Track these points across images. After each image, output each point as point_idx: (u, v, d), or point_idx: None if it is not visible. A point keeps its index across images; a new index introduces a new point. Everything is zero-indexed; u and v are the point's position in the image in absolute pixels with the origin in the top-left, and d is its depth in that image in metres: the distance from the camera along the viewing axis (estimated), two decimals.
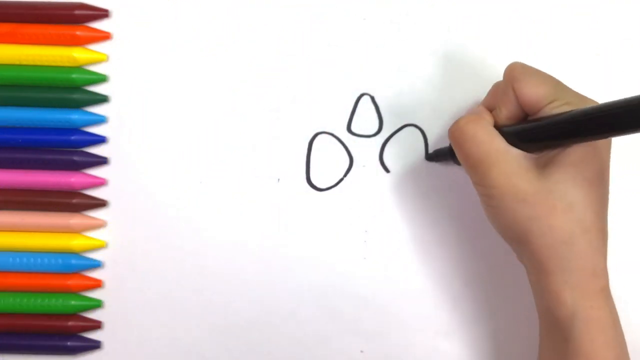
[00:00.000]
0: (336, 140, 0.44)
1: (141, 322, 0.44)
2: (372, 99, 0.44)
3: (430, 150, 0.44)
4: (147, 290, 0.44)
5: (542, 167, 0.34)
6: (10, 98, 0.44)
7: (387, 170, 0.44)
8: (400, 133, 0.44)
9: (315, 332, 0.44)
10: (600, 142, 0.34)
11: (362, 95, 0.44)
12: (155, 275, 0.44)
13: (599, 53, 0.44)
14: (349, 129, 0.44)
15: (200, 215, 0.44)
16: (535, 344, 0.39)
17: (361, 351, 0.44)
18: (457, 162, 0.39)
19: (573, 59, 0.44)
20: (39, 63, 0.44)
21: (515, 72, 0.36)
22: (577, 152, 0.34)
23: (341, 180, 0.44)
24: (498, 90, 0.38)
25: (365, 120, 0.44)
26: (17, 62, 0.44)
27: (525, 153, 0.35)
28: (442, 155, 0.42)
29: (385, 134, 0.44)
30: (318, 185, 0.44)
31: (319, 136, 0.44)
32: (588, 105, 0.33)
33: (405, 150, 0.44)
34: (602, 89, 0.44)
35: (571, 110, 0.34)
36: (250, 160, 0.44)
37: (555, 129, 0.34)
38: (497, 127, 0.37)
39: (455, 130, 0.36)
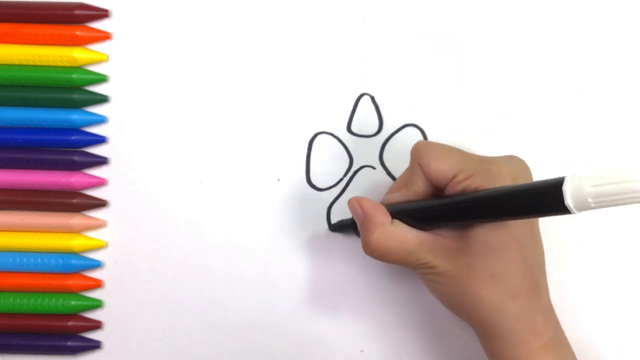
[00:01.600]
0: (336, 140, 0.44)
1: (141, 322, 0.44)
2: (372, 99, 0.44)
3: (334, 221, 0.44)
4: (147, 290, 0.44)
5: (458, 240, 0.36)
6: (10, 98, 0.44)
7: (387, 170, 0.44)
8: (400, 133, 0.44)
9: (315, 332, 0.44)
10: None
11: (362, 95, 0.44)
12: (155, 275, 0.44)
13: (592, 52, 0.44)
14: (349, 129, 0.44)
15: (200, 215, 0.44)
16: None
17: (361, 351, 0.44)
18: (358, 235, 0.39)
19: (573, 60, 0.44)
20: (39, 63, 0.44)
21: (421, 150, 0.37)
22: (485, 225, 0.35)
23: (341, 180, 0.44)
24: (407, 169, 0.39)
25: (365, 120, 0.44)
26: (17, 62, 0.44)
27: (443, 232, 0.36)
28: (345, 227, 0.43)
29: (385, 134, 0.44)
30: (318, 185, 0.44)
31: (319, 136, 0.44)
32: (489, 177, 0.35)
33: (405, 150, 0.44)
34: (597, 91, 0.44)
35: (464, 195, 0.35)
36: (250, 160, 0.44)
37: (449, 212, 0.36)
38: (399, 204, 0.38)
39: (372, 252, 0.37)
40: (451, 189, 0.36)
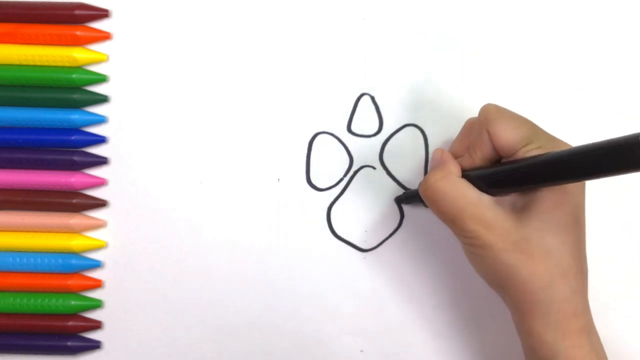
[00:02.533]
0: (336, 140, 0.44)
1: (141, 322, 0.44)
2: (372, 99, 0.44)
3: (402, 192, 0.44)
4: (147, 290, 0.44)
5: (518, 212, 0.35)
6: (10, 98, 0.44)
7: (387, 170, 0.44)
8: (400, 133, 0.44)
9: (315, 332, 0.44)
10: (573, 186, 0.35)
11: (362, 95, 0.44)
12: (155, 275, 0.44)
13: (596, 55, 0.44)
14: (349, 129, 0.44)
15: (200, 215, 0.44)
16: None
17: (361, 351, 0.44)
18: (426, 205, 0.39)
19: (573, 59, 0.44)
20: (39, 63, 0.44)
21: (490, 115, 0.36)
22: (551, 199, 0.35)
23: (341, 180, 0.44)
24: (472, 132, 0.38)
25: (365, 120, 0.44)
26: (17, 62, 0.44)
27: (498, 199, 0.36)
28: (411, 198, 0.43)
29: (385, 134, 0.44)
30: (318, 185, 0.44)
31: (319, 136, 0.44)
32: (558, 149, 0.34)
33: (405, 150, 0.44)
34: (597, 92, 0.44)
35: (539, 155, 0.34)
36: (250, 160, 0.44)
37: (524, 174, 0.35)
38: (469, 169, 0.37)
39: (426, 189, 0.37)
40: (518, 157, 0.35)
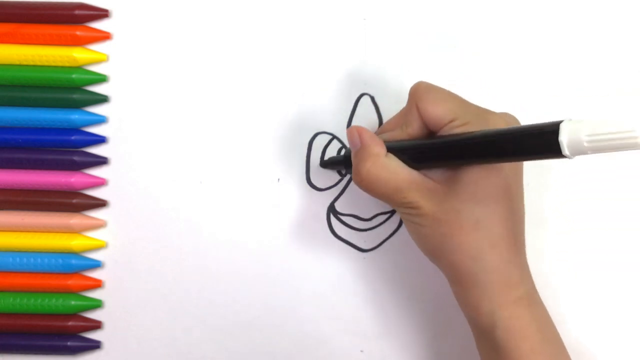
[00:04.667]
0: (336, 140, 0.44)
1: (141, 322, 0.44)
2: (372, 99, 0.44)
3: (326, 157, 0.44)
4: (147, 290, 0.44)
5: (448, 184, 0.36)
6: (10, 98, 0.44)
7: None
8: None
9: (315, 332, 0.44)
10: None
11: (362, 95, 0.44)
12: (155, 275, 0.44)
13: (591, 48, 0.44)
14: None
15: (200, 215, 0.44)
16: None
17: (361, 351, 0.44)
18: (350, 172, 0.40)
19: (573, 60, 0.44)
20: (39, 63, 0.44)
21: (419, 91, 0.37)
22: (478, 171, 0.35)
23: (341, 180, 0.44)
24: (404, 108, 0.39)
25: (365, 120, 0.44)
26: (17, 62, 0.44)
27: (427, 172, 0.36)
28: (336, 163, 0.43)
29: None
30: (318, 185, 0.44)
31: (319, 136, 0.44)
32: (486, 127, 0.35)
33: None
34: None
35: (459, 134, 0.35)
36: (250, 160, 0.44)
37: (441, 152, 0.36)
38: (395, 141, 0.38)
39: (361, 181, 0.37)
40: (445, 133, 0.36)
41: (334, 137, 0.44)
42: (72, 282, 0.43)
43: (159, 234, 0.44)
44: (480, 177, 0.35)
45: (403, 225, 0.44)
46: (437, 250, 0.36)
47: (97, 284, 0.44)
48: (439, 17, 0.44)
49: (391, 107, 0.44)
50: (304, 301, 0.44)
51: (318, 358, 0.44)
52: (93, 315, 0.44)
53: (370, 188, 0.37)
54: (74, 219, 0.44)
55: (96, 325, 0.44)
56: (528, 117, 0.44)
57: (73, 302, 0.43)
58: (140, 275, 0.44)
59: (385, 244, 0.44)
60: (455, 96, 0.37)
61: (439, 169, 0.36)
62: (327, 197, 0.44)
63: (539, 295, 0.37)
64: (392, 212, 0.44)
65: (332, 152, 0.44)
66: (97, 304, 0.44)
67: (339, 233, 0.44)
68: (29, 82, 0.44)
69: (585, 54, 0.44)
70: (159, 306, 0.44)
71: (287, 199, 0.44)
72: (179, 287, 0.44)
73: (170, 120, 0.44)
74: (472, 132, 0.34)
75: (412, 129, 0.37)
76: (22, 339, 0.44)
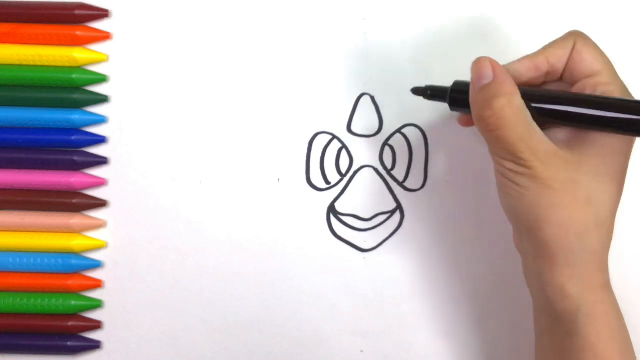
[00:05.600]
0: (336, 140, 0.44)
1: (141, 322, 0.44)
2: (372, 99, 0.44)
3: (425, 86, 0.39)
4: (147, 290, 0.44)
5: (570, 150, 0.34)
6: (10, 98, 0.44)
7: (387, 170, 0.44)
8: (400, 133, 0.44)
9: (315, 332, 0.44)
10: (629, 138, 0.34)
11: (362, 95, 0.44)
12: (155, 275, 0.44)
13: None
14: (349, 129, 0.44)
15: (200, 215, 0.44)
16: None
17: (361, 351, 0.44)
18: (452, 109, 0.38)
19: None
20: (39, 63, 0.44)
21: (581, 33, 0.36)
22: (606, 144, 0.34)
23: (341, 180, 0.44)
24: (553, 41, 0.36)
25: (365, 120, 0.44)
26: (17, 62, 0.44)
27: (555, 136, 0.35)
28: (437, 93, 0.39)
29: (385, 134, 0.44)
30: (318, 185, 0.44)
31: (319, 136, 0.44)
32: (626, 94, 0.33)
33: (405, 150, 0.44)
34: None
35: (610, 98, 0.34)
36: (250, 160, 0.44)
37: (588, 110, 0.33)
38: (525, 81, 0.36)
39: (490, 116, 0.34)
40: (584, 87, 0.35)
41: (334, 137, 0.44)
42: (72, 282, 0.43)
43: (159, 234, 0.44)
44: (608, 154, 0.34)
45: (403, 225, 0.44)
46: (538, 221, 0.34)
47: (97, 284, 0.44)
48: (438, 17, 0.44)
49: (391, 107, 0.44)
50: (304, 301, 0.44)
51: (318, 358, 0.44)
52: (93, 315, 0.44)
53: (495, 128, 0.34)
54: (74, 219, 0.44)
55: (96, 325, 0.44)
56: None
57: (73, 302, 0.43)
58: (140, 275, 0.44)
59: (385, 244, 0.44)
60: (609, 60, 0.36)
61: (564, 134, 0.35)
62: (327, 197, 0.44)
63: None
64: (392, 212, 0.44)
65: (332, 152, 0.44)
66: (97, 304, 0.44)
67: (339, 233, 0.44)
68: (29, 82, 0.44)
69: None
70: (159, 306, 0.44)
71: (287, 199, 0.44)
72: (179, 287, 0.44)
73: (170, 120, 0.44)
74: (616, 96, 0.33)
75: (554, 56, 0.35)
76: (22, 339, 0.44)
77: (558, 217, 0.33)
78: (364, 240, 0.44)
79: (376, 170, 0.44)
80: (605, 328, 0.34)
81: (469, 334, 0.44)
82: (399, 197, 0.44)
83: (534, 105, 0.34)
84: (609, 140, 0.34)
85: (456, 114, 0.42)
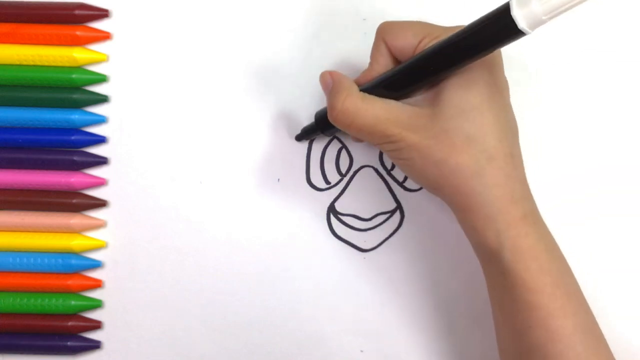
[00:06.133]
0: (336, 140, 0.44)
1: (141, 322, 0.44)
2: None
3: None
4: (147, 290, 0.44)
5: (430, 106, 0.35)
6: (10, 98, 0.44)
7: (387, 170, 0.44)
8: None
9: (315, 332, 0.44)
10: (478, 66, 0.34)
11: None
12: (155, 275, 0.44)
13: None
14: None
15: (200, 215, 0.44)
16: None
17: (361, 351, 0.44)
18: (327, 134, 0.41)
19: (572, 61, 0.44)
20: (39, 63, 0.44)
21: (385, 26, 0.37)
22: (456, 83, 0.34)
23: (341, 180, 0.44)
24: (372, 48, 0.38)
25: None
26: (17, 62, 0.44)
27: (407, 100, 0.36)
28: (309, 131, 0.43)
29: None
30: (318, 185, 0.44)
31: (319, 136, 0.44)
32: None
33: None
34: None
35: (418, 54, 0.35)
36: (250, 160, 0.44)
37: (415, 68, 0.35)
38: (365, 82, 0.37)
39: (337, 115, 0.36)
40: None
41: (334, 137, 0.44)
42: (72, 282, 0.43)
43: (159, 234, 0.44)
44: (461, 88, 0.34)
45: (403, 225, 0.44)
46: (437, 179, 0.35)
47: (97, 284, 0.44)
48: (438, 17, 0.44)
49: None
50: (304, 301, 0.44)
51: (318, 358, 0.44)
52: (93, 315, 0.44)
53: (347, 122, 0.35)
54: (74, 219, 0.44)
55: (96, 325, 0.44)
56: (527, 117, 0.44)
57: (73, 302, 0.43)
58: (140, 275, 0.44)
59: (385, 244, 0.44)
60: (420, 21, 0.37)
61: (418, 96, 0.36)
62: (327, 197, 0.44)
63: (540, 214, 0.36)
64: (392, 212, 0.44)
65: (332, 152, 0.44)
66: (97, 304, 0.44)
67: (339, 233, 0.44)
68: (29, 82, 0.44)
69: (585, 53, 0.44)
70: (159, 306, 0.44)
71: (287, 199, 0.44)
72: (179, 287, 0.44)
73: (170, 120, 0.44)
74: (433, 44, 0.34)
75: (379, 65, 0.37)
76: (22, 339, 0.44)
77: (448, 169, 0.34)
78: (364, 240, 0.44)
79: (376, 170, 0.44)
80: (532, 262, 0.34)
81: (469, 334, 0.44)
82: (399, 197, 0.44)
83: (378, 91, 0.36)
84: (455, 80, 0.34)
85: None
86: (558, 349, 0.33)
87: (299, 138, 0.44)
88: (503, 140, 0.34)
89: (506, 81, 0.36)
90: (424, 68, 0.34)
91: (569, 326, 0.33)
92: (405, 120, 0.35)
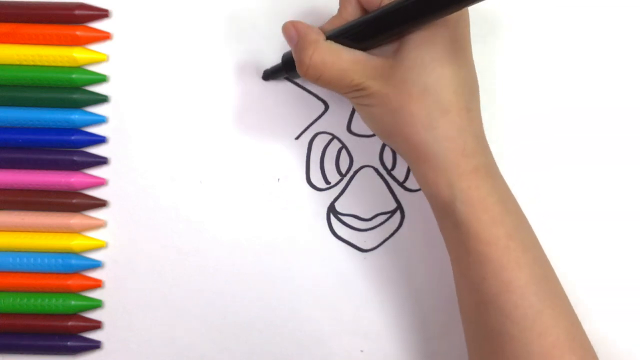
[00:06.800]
0: (336, 140, 0.44)
1: (141, 322, 0.44)
2: None
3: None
4: (147, 290, 0.44)
5: (394, 56, 0.35)
6: (10, 98, 0.44)
7: (387, 170, 0.44)
8: None
9: (315, 332, 0.44)
10: (443, 21, 0.34)
11: None
12: (155, 275, 0.44)
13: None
14: (349, 129, 0.44)
15: (200, 215, 0.44)
16: None
17: (361, 351, 0.44)
18: (292, 75, 0.42)
19: (573, 63, 0.44)
20: (39, 63, 0.44)
21: None
22: (420, 35, 0.35)
23: (341, 180, 0.44)
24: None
25: None
26: (17, 62, 0.44)
27: (372, 50, 0.36)
28: (277, 72, 0.43)
29: None
30: (318, 185, 0.44)
31: (319, 136, 0.44)
32: None
33: None
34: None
35: (385, 6, 0.35)
36: (250, 160, 0.44)
37: (381, 21, 0.35)
38: (332, 30, 0.38)
39: (307, 70, 0.36)
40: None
41: (334, 137, 0.44)
42: (72, 282, 0.43)
43: (159, 234, 0.44)
44: (424, 41, 0.34)
45: (403, 225, 0.44)
46: (391, 128, 0.35)
47: (97, 284, 0.44)
48: None
49: None
50: (304, 301, 0.44)
51: (318, 358, 0.44)
52: (93, 315, 0.44)
53: (316, 75, 0.36)
54: (74, 219, 0.44)
55: (96, 325, 0.44)
56: (527, 117, 0.44)
57: (73, 302, 0.43)
58: (140, 275, 0.44)
59: (385, 244, 0.44)
60: None
61: (389, 47, 0.36)
62: (327, 197, 0.44)
63: (498, 168, 0.36)
64: (393, 212, 0.44)
65: (332, 152, 0.44)
66: (97, 304, 0.44)
67: (339, 233, 0.44)
68: (29, 82, 0.44)
69: (584, 53, 0.44)
70: (159, 306, 0.44)
71: (287, 199, 0.44)
72: (179, 287, 0.44)
73: (170, 120, 0.44)
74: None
75: (347, 13, 0.37)
76: (22, 339, 0.44)
77: (402, 118, 0.34)
78: (364, 240, 0.44)
79: (376, 170, 0.44)
80: (484, 213, 0.34)
81: None
82: (399, 197, 0.44)
83: (344, 40, 0.37)
84: (420, 32, 0.35)
85: None
86: (512, 300, 0.34)
87: (265, 77, 0.44)
88: (459, 94, 0.35)
89: (469, 38, 0.37)
90: (389, 21, 0.35)
91: (523, 277, 0.34)
92: (369, 69, 0.35)
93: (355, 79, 0.35)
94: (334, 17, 0.39)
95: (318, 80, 0.37)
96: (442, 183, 0.34)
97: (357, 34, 0.37)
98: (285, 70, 0.42)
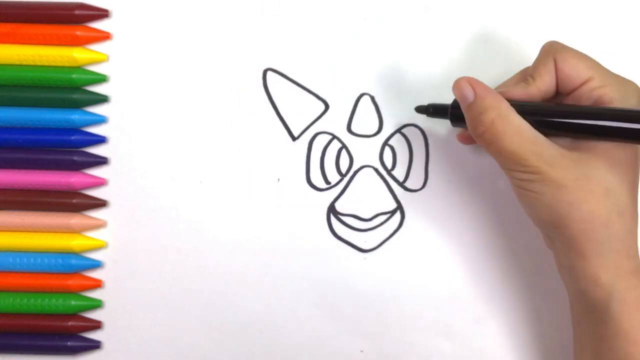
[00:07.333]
0: (336, 140, 0.44)
1: (141, 322, 0.44)
2: (372, 99, 0.44)
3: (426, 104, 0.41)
4: (147, 290, 0.44)
5: (577, 150, 0.35)
6: (10, 98, 0.44)
7: (387, 170, 0.44)
8: (400, 133, 0.44)
9: (315, 332, 0.44)
10: None
11: (362, 95, 0.44)
12: (155, 275, 0.44)
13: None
14: (349, 129, 0.44)
15: (200, 215, 0.44)
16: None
17: (361, 351, 0.44)
18: (453, 124, 0.39)
19: None
20: (39, 63, 0.44)
21: (558, 46, 0.37)
22: (614, 144, 0.35)
23: (341, 180, 0.44)
24: (534, 63, 0.38)
25: (365, 120, 0.44)
26: (17, 62, 0.44)
27: (559, 142, 0.36)
28: (438, 111, 0.41)
29: (385, 134, 0.44)
30: (318, 185, 0.44)
31: (319, 136, 0.44)
32: (622, 96, 0.34)
33: (405, 150, 0.44)
34: None
35: (604, 108, 0.35)
36: (250, 160, 0.44)
37: (584, 123, 0.35)
38: (519, 101, 0.36)
39: (484, 132, 0.36)
40: (580, 96, 0.36)
41: (334, 137, 0.44)
42: (72, 282, 0.43)
43: (159, 234, 0.44)
44: (615, 146, 0.35)
45: (403, 225, 0.44)
46: (561, 219, 0.35)
47: (97, 284, 0.44)
48: (438, 17, 0.44)
49: (391, 107, 0.44)
50: (304, 301, 0.44)
51: (318, 358, 0.44)
52: (93, 315, 0.44)
53: (492, 141, 0.35)
54: (74, 219, 0.44)
55: (96, 325, 0.44)
56: None
57: (73, 302, 0.43)
58: (140, 275, 0.44)
59: (385, 244, 0.44)
60: (590, 57, 0.36)
61: (569, 140, 0.36)
62: (327, 197, 0.44)
63: None
64: (393, 213, 0.44)
65: (332, 151, 0.44)
66: (97, 304, 0.44)
67: (339, 233, 0.44)
68: (29, 82, 0.44)
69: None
70: (159, 306, 0.44)
71: (287, 199, 0.44)
72: (179, 287, 0.44)
73: (170, 120, 0.44)
74: (614, 107, 0.35)
75: (543, 82, 0.36)
76: (22, 339, 0.44)
77: (580, 213, 0.34)
78: (364, 240, 0.44)
79: (376, 170, 0.44)
80: (638, 313, 0.35)
81: (469, 334, 0.44)
82: (399, 197, 0.44)
83: (529, 118, 0.35)
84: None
85: None
86: None
87: (420, 110, 0.42)
88: (633, 198, 0.36)
89: None
90: (592, 127, 0.35)
91: None
92: (546, 156, 0.35)
93: (530, 161, 0.35)
94: (528, 85, 0.37)
95: (489, 145, 0.36)
96: (602, 279, 0.35)
97: (549, 121, 0.36)
98: (451, 118, 0.39)
